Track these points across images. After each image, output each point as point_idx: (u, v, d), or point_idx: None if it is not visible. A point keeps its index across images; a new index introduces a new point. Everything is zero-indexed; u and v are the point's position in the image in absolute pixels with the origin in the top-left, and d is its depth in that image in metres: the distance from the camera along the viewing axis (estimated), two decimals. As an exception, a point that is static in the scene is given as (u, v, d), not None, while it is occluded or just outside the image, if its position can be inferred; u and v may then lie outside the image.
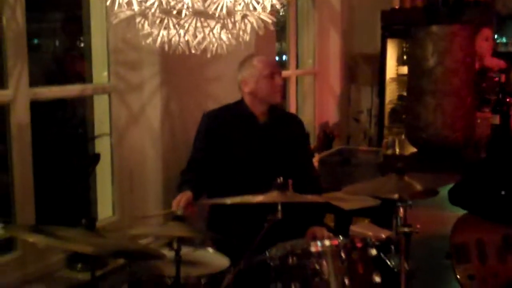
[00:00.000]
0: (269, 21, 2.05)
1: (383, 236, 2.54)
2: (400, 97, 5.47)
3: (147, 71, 3.19)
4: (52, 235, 1.99)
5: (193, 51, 2.10)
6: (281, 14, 2.27)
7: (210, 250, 2.52)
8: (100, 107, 3.17)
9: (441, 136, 3.08)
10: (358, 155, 4.09)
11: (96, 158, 2.76)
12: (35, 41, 3.34)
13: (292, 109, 5.04)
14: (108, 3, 2.01)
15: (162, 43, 2.06)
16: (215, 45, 2.04)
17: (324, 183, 3.33)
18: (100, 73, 3.15)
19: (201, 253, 2.51)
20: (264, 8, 2.01)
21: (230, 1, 1.88)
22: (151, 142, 3.26)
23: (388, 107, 5.41)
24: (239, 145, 2.92)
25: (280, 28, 4.91)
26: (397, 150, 3.31)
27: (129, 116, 3.20)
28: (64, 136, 3.06)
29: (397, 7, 5.16)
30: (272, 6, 2.06)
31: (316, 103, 5.58)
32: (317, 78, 5.57)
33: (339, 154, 4.07)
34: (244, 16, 1.98)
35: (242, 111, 2.94)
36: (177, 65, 3.16)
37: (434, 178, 2.50)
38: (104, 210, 3.21)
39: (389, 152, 3.42)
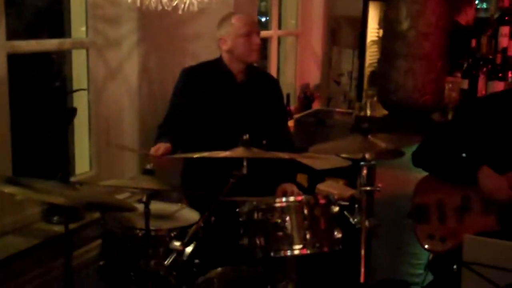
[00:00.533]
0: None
1: (346, 194, 2.62)
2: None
3: (125, 26, 3.22)
4: (27, 187, 2.06)
5: (165, 8, 2.13)
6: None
7: (182, 204, 2.61)
8: (78, 62, 3.20)
9: (411, 99, 3.15)
10: (334, 116, 4.17)
11: (73, 111, 2.80)
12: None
13: (273, 69, 5.08)
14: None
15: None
16: (187, 2, 2.08)
17: (298, 143, 3.40)
18: (78, 28, 3.18)
19: (173, 207, 2.59)
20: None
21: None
22: (129, 98, 3.30)
23: (368, 70, 5.45)
24: (215, 102, 2.98)
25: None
26: (368, 112, 3.38)
27: (107, 72, 3.24)
28: (42, 90, 3.09)
29: (381, -30, 5.15)
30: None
31: (297, 64, 5.62)
32: (299, 39, 5.60)
33: (315, 115, 4.14)
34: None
35: (220, 69, 2.99)
36: (156, 22, 3.19)
37: (399, 139, 2.58)
38: (82, 164, 3.27)
39: (362, 113, 3.49)
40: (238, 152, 2.13)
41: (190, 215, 2.54)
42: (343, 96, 5.88)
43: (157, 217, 2.36)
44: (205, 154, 2.20)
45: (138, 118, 3.32)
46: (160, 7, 2.09)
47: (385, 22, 3.28)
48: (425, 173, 2.79)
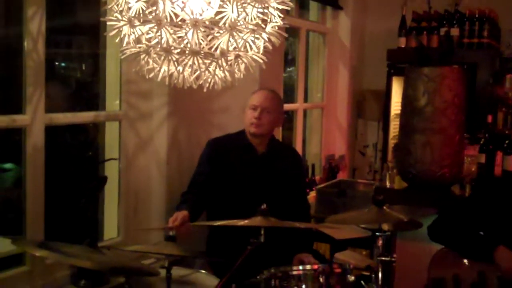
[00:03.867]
0: (261, 61, 2.26)
1: (363, 264, 2.69)
2: (403, 133, 5.62)
3: (156, 101, 3.40)
4: (57, 251, 2.19)
5: (191, 86, 2.30)
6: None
7: (204, 271, 2.70)
8: (111, 132, 3.38)
9: (429, 172, 3.24)
10: (356, 187, 4.25)
11: (104, 180, 2.96)
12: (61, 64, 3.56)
13: (299, 140, 5.23)
14: (117, 40, 2.24)
15: (163, 77, 2.28)
16: (211, 81, 2.25)
17: (320, 213, 3.50)
18: (112, 101, 3.38)
19: (195, 274, 2.69)
20: (258, 49, 2.22)
21: (224, 43, 2.09)
22: (157, 168, 3.45)
23: (391, 142, 5.57)
24: (237, 173, 3.11)
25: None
26: (388, 184, 3.47)
27: (138, 143, 3.40)
28: (76, 159, 3.27)
29: (403, 46, 5.34)
30: (265, 47, 2.27)
31: (323, 135, 5.77)
32: (325, 112, 5.77)
33: (337, 186, 4.23)
34: (237, 56, 2.18)
35: (242, 141, 3.14)
36: (185, 97, 3.36)
37: (415, 211, 2.67)
38: (110, 230, 3.40)
39: (382, 185, 3.58)
40: (256, 221, 2.23)
41: (211, 282, 2.63)
42: (368, 167, 5.98)
43: (179, 283, 2.45)
44: (224, 222, 2.31)
45: (165, 188, 3.45)
46: (187, 85, 2.25)
47: (403, 98, 3.41)
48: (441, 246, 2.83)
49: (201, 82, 2.30)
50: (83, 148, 3.34)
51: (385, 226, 2.59)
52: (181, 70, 2.17)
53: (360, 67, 5.98)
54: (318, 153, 5.65)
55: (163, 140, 3.44)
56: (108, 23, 2.24)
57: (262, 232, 2.23)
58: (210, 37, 2.07)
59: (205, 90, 2.28)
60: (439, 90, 3.18)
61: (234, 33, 2.08)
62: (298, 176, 3.29)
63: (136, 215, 3.41)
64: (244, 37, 2.12)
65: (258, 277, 2.44)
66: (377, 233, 2.46)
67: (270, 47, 2.28)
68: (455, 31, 5.00)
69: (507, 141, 3.18)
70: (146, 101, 3.39)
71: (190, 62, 2.10)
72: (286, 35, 2.33)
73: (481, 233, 2.64)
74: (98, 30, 3.25)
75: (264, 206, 2.25)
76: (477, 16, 4.99)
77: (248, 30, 2.13)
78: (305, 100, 5.46)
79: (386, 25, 5.62)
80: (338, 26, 5.76)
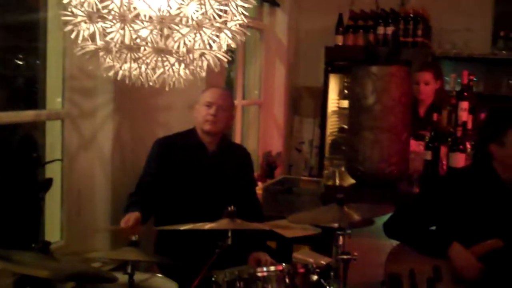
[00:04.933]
0: (225, 59, 2.21)
1: (323, 262, 2.70)
2: (340, 129, 5.72)
3: (100, 98, 3.28)
4: (7, 259, 2.05)
5: (152, 84, 2.22)
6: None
7: (160, 275, 2.62)
8: (52, 132, 3.23)
9: (378, 169, 3.29)
10: (300, 184, 4.27)
11: (49, 182, 2.81)
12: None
13: (237, 137, 5.20)
14: (73, 36, 2.13)
15: (123, 76, 2.18)
16: (173, 79, 2.18)
17: (268, 211, 3.48)
18: (54, 99, 3.23)
19: (153, 279, 2.60)
20: (220, 47, 2.17)
21: (190, 40, 2.03)
22: (101, 168, 3.33)
23: (329, 139, 5.65)
24: (187, 172, 3.04)
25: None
26: (337, 181, 3.50)
27: (81, 142, 3.27)
28: (16, 160, 3.10)
29: (340, 44, 5.42)
30: (228, 45, 2.23)
31: (260, 132, 5.77)
32: (262, 109, 5.77)
33: (282, 183, 4.24)
34: (202, 54, 2.13)
35: (192, 139, 3.07)
36: (130, 94, 3.26)
37: (370, 209, 2.70)
38: (52, 234, 3.25)
39: (330, 182, 3.61)
40: (223, 223, 2.19)
41: (167, 285, 2.55)
42: (303, 163, 6.04)
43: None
44: (191, 226, 2.25)
45: (110, 188, 3.33)
46: (147, 85, 2.17)
47: (351, 96, 3.44)
48: (394, 242, 2.88)
49: (161, 80, 2.23)
50: (23, 149, 3.16)
51: (336, 224, 2.60)
52: (143, 69, 2.09)
53: (296, 64, 6.01)
54: (255, 150, 5.64)
55: (107, 138, 3.32)
56: (64, 18, 2.13)
57: (230, 234, 2.19)
58: (177, 35, 1.99)
59: (167, 89, 2.20)
60: (387, 88, 3.23)
61: (198, 30, 2.02)
62: (249, 175, 3.26)
63: (80, 217, 3.27)
64: (209, 34, 2.07)
65: (213, 278, 2.40)
66: (338, 232, 2.46)
67: (234, 45, 2.23)
68: (390, 30, 5.13)
69: (451, 139, 3.27)
70: (89, 98, 3.26)
71: (153, 60, 2.03)
72: (249, 34, 2.29)
73: (435, 228, 2.69)
74: (38, 24, 3.09)
75: (231, 208, 2.20)
76: (411, 15, 5.14)
77: (214, 28, 2.08)
78: (243, 97, 5.44)
79: (322, 22, 5.68)
80: (275, 22, 5.77)
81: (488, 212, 2.60)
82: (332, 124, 5.70)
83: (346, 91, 5.63)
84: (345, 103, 5.63)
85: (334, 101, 5.68)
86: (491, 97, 4.88)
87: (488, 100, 4.48)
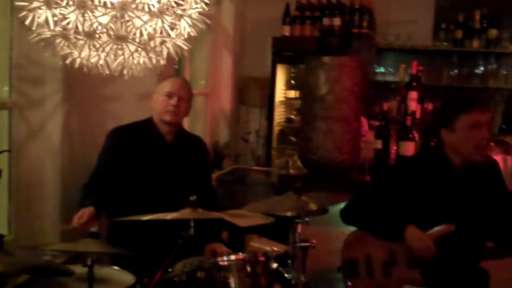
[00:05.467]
0: (185, 47, 2.18)
1: (281, 250, 2.72)
2: (288, 120, 5.78)
3: (49, 87, 3.19)
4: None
5: (110, 73, 2.18)
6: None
7: (117, 268, 2.58)
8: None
9: (330, 158, 3.34)
10: (251, 174, 4.29)
11: (-2, 173, 2.72)
12: None
13: (185, 127, 5.15)
14: (27, 22, 2.06)
15: (81, 64, 2.13)
16: (133, 67, 2.14)
17: (220, 201, 3.47)
18: (0, 88, 3.11)
19: (109, 271, 2.56)
20: (180, 35, 2.15)
21: (151, 27, 2.00)
22: (50, 159, 3.23)
23: (276, 129, 5.69)
24: (144, 162, 3.00)
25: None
26: (291, 171, 3.53)
27: (29, 132, 3.17)
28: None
29: (287, 34, 5.46)
30: (188, 33, 2.20)
31: (207, 123, 5.75)
32: (209, 99, 5.74)
33: (233, 173, 4.24)
34: (162, 42, 2.10)
35: (149, 129, 3.03)
36: (79, 83, 3.19)
37: (327, 197, 2.73)
38: (0, 227, 3.14)
39: (283, 172, 3.64)
40: (186, 213, 2.17)
41: (124, 277, 2.51)
42: (250, 153, 6.06)
43: (95, 281, 2.32)
44: (152, 216, 2.22)
45: (60, 178, 3.25)
46: (105, 73, 2.13)
47: (304, 86, 3.48)
48: (348, 228, 2.93)
49: (120, 68, 2.19)
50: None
51: (289, 212, 2.62)
52: (103, 57, 2.04)
53: (243, 55, 6.01)
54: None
55: (56, 128, 3.23)
56: (17, 3, 2.06)
57: (192, 224, 2.17)
58: (138, 22, 1.96)
59: (126, 77, 2.16)
60: (339, 79, 3.28)
61: (160, 17, 1.99)
62: (206, 165, 3.24)
63: (29, 210, 3.18)
64: (170, 21, 2.05)
65: (169, 269, 2.39)
66: (296, 220, 2.48)
67: (194, 33, 2.21)
68: (337, 21, 5.20)
69: (400, 127, 3.35)
70: (37, 87, 3.16)
71: (113, 48, 1.99)
72: (209, 22, 2.27)
73: (391, 213, 2.74)
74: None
75: (193, 198, 2.19)
76: (357, 7, 5.22)
77: (175, 15, 2.05)
78: (190, 87, 5.39)
79: (268, 13, 5.70)
80: (221, 12, 5.74)
81: (441, 196, 2.67)
82: (279, 115, 5.74)
83: (293, 82, 5.68)
84: (292, 94, 5.69)
85: (281, 92, 5.72)
86: (432, 88, 5.01)
87: (430, 91, 4.60)
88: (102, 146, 3.06)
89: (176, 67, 4.55)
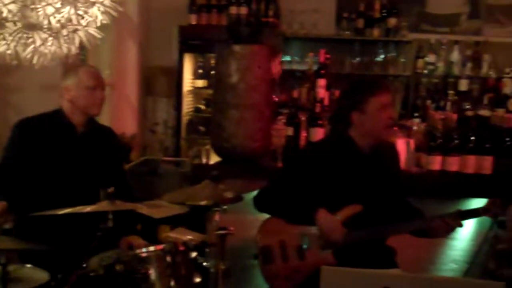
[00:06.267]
0: (98, 36, 2.13)
1: (198, 239, 2.71)
2: (196, 109, 5.75)
3: None
4: None
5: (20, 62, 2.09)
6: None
7: (29, 265, 2.49)
8: None
9: (243, 146, 3.38)
10: (163, 165, 4.24)
11: None
12: None
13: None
14: None
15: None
16: (44, 56, 2.07)
17: (134, 193, 3.42)
18: None
19: (22, 269, 2.46)
20: (94, 22, 2.10)
21: (62, 15, 1.93)
22: None
23: (185, 119, 5.65)
24: (55, 154, 2.90)
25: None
26: (204, 160, 3.53)
27: None
28: None
29: (194, 23, 5.42)
30: (101, 20, 2.15)
31: (112, 114, 5.61)
32: (114, 89, 5.61)
33: (144, 165, 4.19)
34: (74, 30, 2.03)
35: (60, 120, 2.93)
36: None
37: (243, 184, 2.77)
38: None
39: (197, 161, 3.63)
40: (104, 205, 2.13)
41: (40, 275, 2.43)
42: (159, 144, 5.99)
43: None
44: (69, 210, 2.15)
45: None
46: (14, 62, 2.04)
47: (215, 75, 3.48)
48: (262, 216, 2.98)
49: (29, 57, 2.10)
50: None
51: (207, 201, 2.64)
52: (12, 46, 1.95)
53: (148, 44, 5.91)
54: (109, 132, 5.47)
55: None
56: None
57: (110, 216, 2.13)
58: (50, 9, 1.89)
59: (36, 67, 2.08)
60: (250, 67, 3.31)
61: (72, 5, 1.93)
62: (118, 156, 3.18)
63: None
64: (83, 9, 1.99)
65: (84, 265, 2.34)
66: (214, 208, 2.49)
67: (107, 20, 2.16)
68: (243, 10, 5.23)
69: (310, 114, 3.43)
70: None
71: (25, 36, 1.90)
72: (121, 9, 2.22)
73: (303, 198, 2.80)
74: None
75: (110, 189, 2.14)
76: (263, -4, 5.27)
77: (87, 3, 2.00)
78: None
79: (173, 1, 5.64)
80: (125, 0, 5.61)
81: (347, 178, 2.77)
82: (187, 104, 5.71)
83: (201, 71, 5.66)
84: (200, 83, 5.67)
85: (189, 81, 5.68)
86: (336, 76, 5.14)
87: (334, 78, 4.72)
88: (7, 139, 2.93)
89: (82, 57, 4.41)
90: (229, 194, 2.55)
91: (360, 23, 5.62)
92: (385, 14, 5.59)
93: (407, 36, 5.66)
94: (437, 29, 5.83)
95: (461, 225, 2.72)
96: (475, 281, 2.05)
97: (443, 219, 2.71)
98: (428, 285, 1.84)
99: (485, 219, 2.86)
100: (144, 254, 2.27)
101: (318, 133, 3.39)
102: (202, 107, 5.75)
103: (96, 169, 2.95)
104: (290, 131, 3.48)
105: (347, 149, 2.80)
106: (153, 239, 3.08)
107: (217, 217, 2.52)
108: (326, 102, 3.47)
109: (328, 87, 3.50)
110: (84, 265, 2.34)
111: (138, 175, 3.86)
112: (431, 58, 5.62)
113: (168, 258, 2.29)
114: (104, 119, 5.47)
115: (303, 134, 3.44)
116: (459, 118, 3.55)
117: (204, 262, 2.54)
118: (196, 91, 5.73)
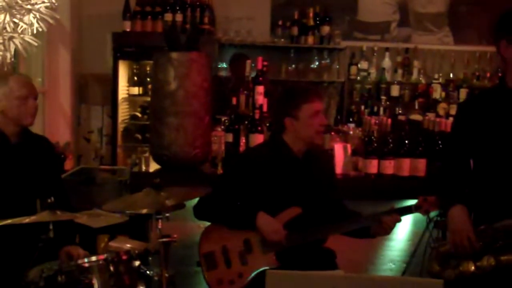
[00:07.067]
0: (35, 43, 2.09)
1: (141, 248, 2.68)
2: (132, 117, 5.69)
3: None
4: None
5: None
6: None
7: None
8: None
9: (183, 153, 3.37)
10: (99, 174, 4.16)
11: None
12: None
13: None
14: None
15: None
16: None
17: (71, 203, 3.35)
18: None
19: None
20: (30, 31, 2.05)
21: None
22: None
23: (120, 127, 5.58)
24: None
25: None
26: (144, 168, 3.50)
27: None
28: None
29: (128, 30, 5.37)
30: (37, 28, 2.11)
31: (45, 122, 5.48)
32: (47, 97, 5.48)
33: (81, 174, 4.09)
34: (10, 38, 1.99)
35: None
36: None
37: (185, 192, 2.76)
38: None
39: (136, 169, 3.59)
40: (44, 216, 2.08)
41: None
42: (93, 152, 5.88)
43: None
44: (7, 221, 2.09)
45: None
46: None
47: (155, 83, 3.47)
48: (203, 223, 2.99)
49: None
50: None
51: (149, 209, 2.63)
52: None
53: (81, 51, 5.81)
54: (42, 141, 5.33)
55: None
56: None
57: (51, 227, 2.08)
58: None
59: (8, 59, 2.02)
60: (189, 74, 3.32)
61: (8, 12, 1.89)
62: (55, 165, 3.11)
63: None
64: (18, 16, 1.95)
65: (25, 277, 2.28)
66: (157, 216, 2.48)
67: (44, 28, 2.12)
68: (179, 17, 5.22)
69: (248, 121, 3.46)
70: None
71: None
72: (58, 16, 2.19)
73: (242, 203, 2.83)
74: None
75: (50, 200, 2.10)
76: (198, 3, 5.28)
77: (23, 10, 1.96)
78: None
79: (106, 7, 5.57)
80: (56, 7, 5.48)
81: (283, 182, 2.83)
82: (123, 112, 5.63)
83: (136, 78, 5.61)
84: (136, 90, 5.62)
85: (124, 88, 5.62)
86: (272, 82, 5.21)
87: (271, 85, 4.77)
88: None
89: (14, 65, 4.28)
90: (170, 202, 2.54)
91: (295, 30, 5.71)
92: (318, 22, 5.70)
93: (340, 43, 5.80)
94: (368, 36, 6.00)
95: (399, 220, 2.81)
96: (418, 280, 2.12)
97: (381, 217, 2.80)
98: (374, 285, 1.89)
99: (421, 219, 2.97)
100: (86, 264, 2.23)
101: (258, 139, 3.41)
102: (138, 114, 5.70)
103: (33, 180, 2.87)
104: (229, 137, 3.50)
105: (282, 153, 2.86)
106: (91, 249, 3.03)
107: (159, 225, 2.51)
108: (264, 108, 3.51)
109: (266, 94, 3.54)
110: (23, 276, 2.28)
111: (75, 185, 3.77)
112: (363, 65, 5.79)
113: (111, 268, 2.26)
114: (37, 128, 5.34)
115: (243, 140, 3.47)
116: (393, 122, 3.66)
117: (148, 270, 2.53)
118: (131, 98, 5.67)
